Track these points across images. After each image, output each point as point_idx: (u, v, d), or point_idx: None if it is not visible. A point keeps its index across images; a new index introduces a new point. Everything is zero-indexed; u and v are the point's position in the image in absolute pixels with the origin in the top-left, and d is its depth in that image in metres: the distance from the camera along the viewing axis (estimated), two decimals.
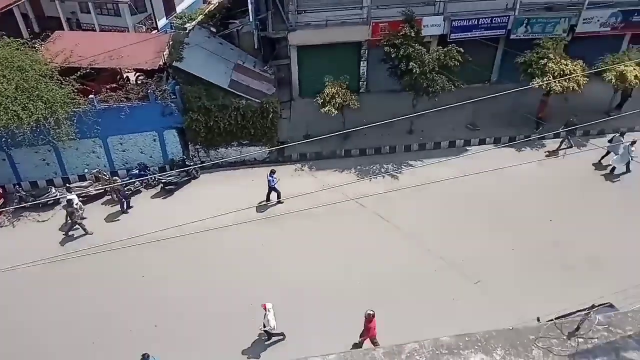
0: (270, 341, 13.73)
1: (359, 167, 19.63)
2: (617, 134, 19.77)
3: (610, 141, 19.71)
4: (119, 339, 13.92)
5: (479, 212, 17.52)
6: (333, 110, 19.20)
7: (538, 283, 14.83)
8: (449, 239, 16.47)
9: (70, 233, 17.47)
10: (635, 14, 21.99)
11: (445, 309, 14.14)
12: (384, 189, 18.10)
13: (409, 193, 16.80)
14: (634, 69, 19.58)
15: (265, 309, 13.01)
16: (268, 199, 18.49)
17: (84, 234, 17.35)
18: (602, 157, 19.72)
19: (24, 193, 18.73)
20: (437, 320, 13.63)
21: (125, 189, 18.68)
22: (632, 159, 18.78)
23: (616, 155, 19.09)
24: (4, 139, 17.28)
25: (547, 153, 20.41)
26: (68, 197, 17.20)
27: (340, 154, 20.64)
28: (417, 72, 18.95)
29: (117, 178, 19.46)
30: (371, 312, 12.75)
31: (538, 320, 12.30)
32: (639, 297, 9.84)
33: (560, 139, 20.38)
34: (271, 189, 18.22)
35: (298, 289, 14.97)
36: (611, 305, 11.37)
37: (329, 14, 21.54)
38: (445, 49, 19.55)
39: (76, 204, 17.29)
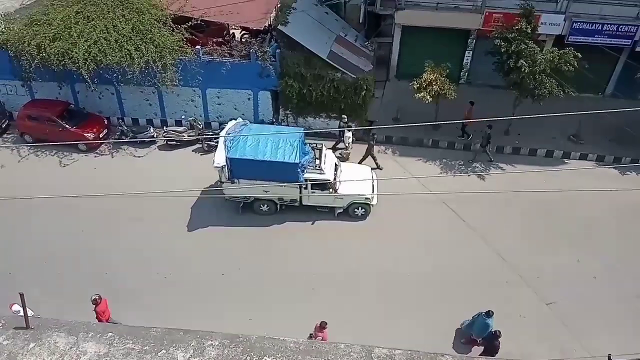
0: None
1: (444, 160, 19.06)
2: None
3: None
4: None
5: (566, 231, 16.52)
6: (428, 97, 18.58)
7: (618, 317, 13.89)
8: (528, 252, 15.75)
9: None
10: None
11: (511, 325, 13.61)
12: (467, 187, 17.52)
13: (493, 196, 16.16)
14: None
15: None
16: None
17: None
18: None
19: (126, 128, 20.04)
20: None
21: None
22: None
23: None
24: (115, 75, 18.44)
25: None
26: (347, 134, 18.75)
27: (427, 143, 20.12)
28: (526, 71, 17.82)
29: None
30: (96, 297, 12.26)
31: (609, 358, 11.60)
32: None
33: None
34: None
35: (358, 274, 15.02)
36: None
37: None
38: (561, 52, 18.20)
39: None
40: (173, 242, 16.00)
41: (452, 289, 14.64)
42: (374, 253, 15.72)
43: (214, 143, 19.45)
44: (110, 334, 6.87)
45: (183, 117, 20.46)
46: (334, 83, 19.33)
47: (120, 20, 18.41)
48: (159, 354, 6.71)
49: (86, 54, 17.77)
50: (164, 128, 20.23)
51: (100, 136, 19.66)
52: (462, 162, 19.16)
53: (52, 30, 18.11)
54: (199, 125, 19.93)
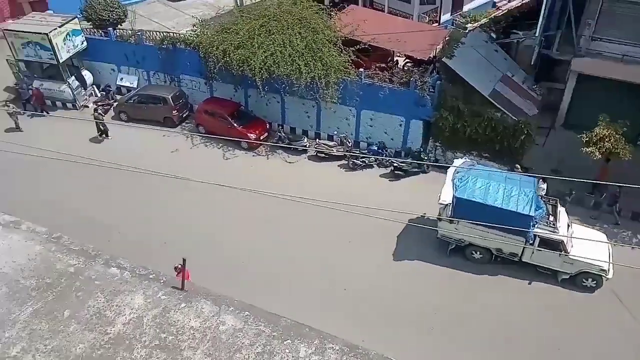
0: None
1: (605, 226, 17.05)
2: None
3: None
4: None
5: None
6: (597, 153, 16.92)
7: None
8: None
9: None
10: None
11: None
12: (630, 260, 15.35)
13: None
14: None
15: None
16: None
17: None
18: None
19: (284, 134, 21.64)
20: None
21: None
22: None
23: None
24: (283, 86, 20.04)
25: None
26: (543, 185, 16.65)
27: (589, 203, 18.23)
28: None
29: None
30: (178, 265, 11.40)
31: None
32: None
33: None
34: None
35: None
36: None
37: (629, 49, 18.86)
38: None
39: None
40: (355, 254, 16.51)
41: None
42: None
43: (359, 162, 19.97)
44: (247, 313, 7.34)
45: (335, 132, 21.38)
46: (492, 122, 18.66)
47: (297, 37, 19.98)
48: (285, 342, 6.98)
49: (262, 64, 19.58)
50: (317, 140, 21.45)
51: (261, 138, 21.38)
52: (628, 231, 16.99)
53: (238, 39, 20.32)
54: (349, 142, 20.64)
